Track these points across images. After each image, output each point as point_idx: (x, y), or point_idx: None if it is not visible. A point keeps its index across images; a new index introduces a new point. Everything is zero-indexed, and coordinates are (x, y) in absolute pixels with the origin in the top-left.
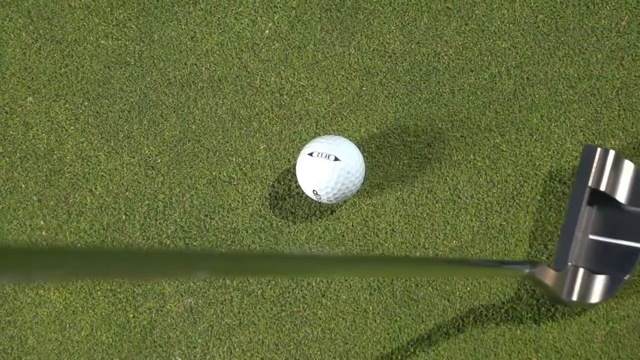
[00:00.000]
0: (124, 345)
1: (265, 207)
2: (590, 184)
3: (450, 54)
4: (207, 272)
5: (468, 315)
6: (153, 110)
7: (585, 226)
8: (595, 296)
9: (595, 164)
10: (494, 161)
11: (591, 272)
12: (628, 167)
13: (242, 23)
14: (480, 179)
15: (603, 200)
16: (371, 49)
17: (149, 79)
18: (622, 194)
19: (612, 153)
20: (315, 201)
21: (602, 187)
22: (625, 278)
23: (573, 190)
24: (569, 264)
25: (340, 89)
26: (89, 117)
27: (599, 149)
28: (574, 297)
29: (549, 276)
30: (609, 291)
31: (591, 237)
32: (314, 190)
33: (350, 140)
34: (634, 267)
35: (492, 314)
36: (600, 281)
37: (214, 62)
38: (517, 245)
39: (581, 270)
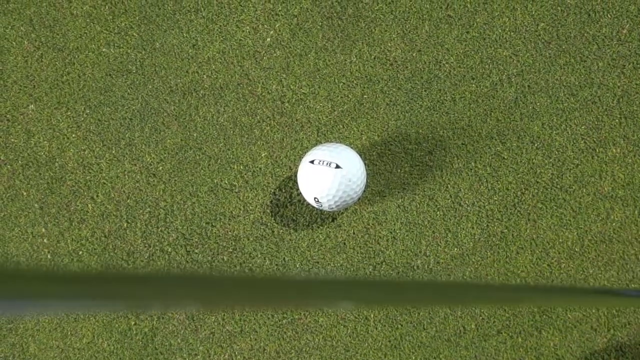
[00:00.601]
0: (125, 353)
1: (266, 214)
2: None
3: (452, 62)
4: (352, 302)
5: (470, 322)
6: (154, 118)
7: None
8: None
9: None
10: (495, 169)
11: None
12: None
13: (243, 31)
14: (482, 187)
15: None
16: (372, 56)
17: (150, 86)
18: None
19: None
20: (317, 209)
21: None
22: None
23: None
24: None
25: (341, 97)
26: (91, 125)
27: None
28: None
29: None
30: None
31: None
32: (315, 198)
33: (351, 147)
34: None
35: (494, 322)
36: None
37: (215, 70)
38: (518, 252)
39: None
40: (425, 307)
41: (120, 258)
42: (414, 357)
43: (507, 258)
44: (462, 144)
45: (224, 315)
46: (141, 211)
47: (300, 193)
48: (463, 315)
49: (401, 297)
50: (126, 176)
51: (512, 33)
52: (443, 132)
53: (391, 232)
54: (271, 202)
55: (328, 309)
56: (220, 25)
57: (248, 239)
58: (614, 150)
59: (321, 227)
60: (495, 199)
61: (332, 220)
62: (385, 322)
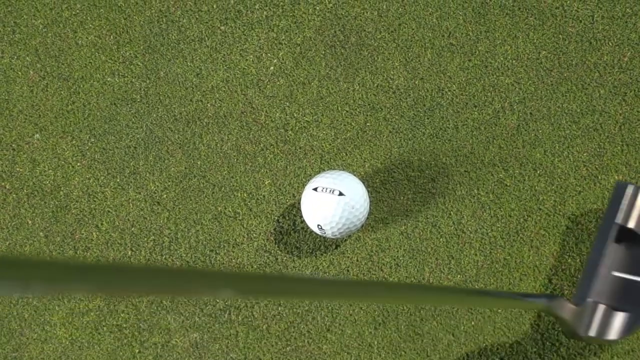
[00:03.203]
0: None
1: (270, 242)
2: (618, 220)
3: (454, 90)
4: (231, 291)
5: (473, 350)
6: (159, 147)
7: (610, 263)
8: (614, 333)
9: (625, 201)
10: (498, 196)
11: (612, 309)
12: None
13: (247, 60)
14: (484, 214)
15: (631, 237)
16: (375, 84)
17: (154, 115)
18: None
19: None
20: (320, 236)
21: (631, 225)
22: None
23: (600, 226)
24: (589, 299)
25: (344, 125)
26: (95, 154)
27: (630, 186)
28: (592, 333)
29: (567, 310)
30: (629, 329)
31: (615, 273)
32: (318, 225)
33: (354, 175)
34: None
35: (497, 349)
36: (620, 318)
37: (219, 99)
38: (521, 279)
39: (601, 307)
40: (302, 300)
41: None
42: None
43: (510, 285)
44: (465, 171)
45: (228, 342)
46: (145, 239)
47: (304, 220)
48: (467, 342)
49: (276, 289)
50: (130, 204)
51: (513, 61)
52: (446, 160)
53: (394, 259)
54: (275, 229)
55: (209, 296)
56: (224, 54)
57: (252, 267)
58: (617, 178)
59: (324, 255)
60: (498, 225)
61: (336, 248)
62: (389, 349)
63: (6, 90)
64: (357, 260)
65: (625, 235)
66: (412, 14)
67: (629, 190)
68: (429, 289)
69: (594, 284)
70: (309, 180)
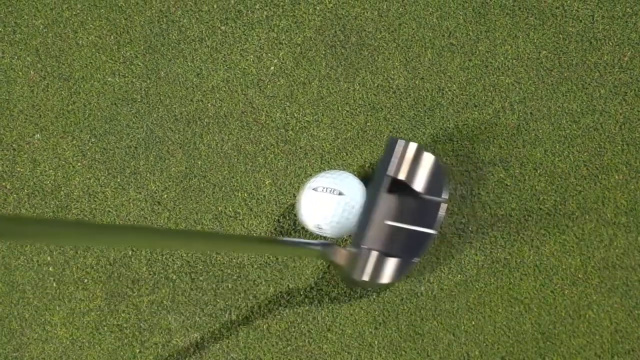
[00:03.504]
0: None
1: None
2: (390, 173)
3: (454, 90)
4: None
5: (473, 349)
6: (159, 147)
7: (383, 212)
8: (386, 277)
9: (396, 155)
10: (498, 195)
11: (384, 255)
12: (428, 159)
13: (247, 60)
14: (485, 214)
15: (402, 188)
16: (375, 84)
17: (155, 115)
18: (419, 184)
19: (413, 145)
20: (319, 235)
21: (401, 176)
22: (415, 261)
23: (374, 177)
24: (363, 246)
25: (345, 125)
26: (96, 154)
27: (400, 141)
28: (365, 277)
29: (342, 257)
30: (399, 273)
31: (387, 222)
32: (317, 225)
33: (354, 175)
34: (423, 251)
35: (498, 348)
36: (391, 264)
37: (219, 99)
38: (521, 279)
39: (374, 253)
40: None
41: (125, 286)
42: None
43: (510, 284)
44: (466, 170)
45: (229, 342)
46: None
47: (302, 219)
48: (467, 342)
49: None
50: (131, 204)
51: (514, 61)
52: (446, 159)
53: None
54: (275, 229)
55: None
56: (225, 54)
57: (252, 266)
58: (617, 177)
59: None
60: (499, 225)
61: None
62: (389, 349)
63: (7, 90)
64: None
65: (397, 187)
66: (412, 13)
67: (400, 144)
68: (225, 237)
69: (368, 231)
70: (308, 180)
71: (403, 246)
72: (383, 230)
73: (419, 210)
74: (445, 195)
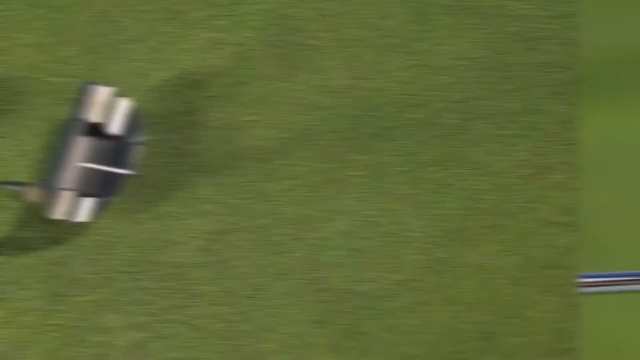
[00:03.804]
0: None
1: (211, 241)
2: (82, 116)
3: (395, 89)
4: None
5: (414, 348)
6: None
7: (78, 154)
8: (82, 216)
9: (89, 98)
10: (439, 195)
11: (80, 195)
12: (123, 103)
13: (188, 60)
14: (425, 213)
15: (94, 131)
16: (315, 84)
17: None
18: (114, 127)
19: (105, 89)
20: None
21: (95, 119)
22: (110, 199)
23: (68, 120)
24: (59, 187)
25: (284, 124)
26: (37, 154)
27: (93, 85)
28: (61, 216)
29: (38, 196)
30: (95, 212)
31: (81, 164)
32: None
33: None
34: (117, 191)
35: (438, 348)
36: (86, 203)
37: (160, 98)
38: (462, 278)
39: (69, 193)
40: None
41: (66, 285)
42: None
43: (450, 284)
44: (406, 170)
45: (169, 342)
46: (86, 238)
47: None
48: (407, 341)
49: None
50: None
51: (455, 60)
52: (387, 159)
53: (335, 259)
54: (216, 228)
55: None
56: (165, 54)
57: (193, 266)
58: (556, 177)
59: (265, 255)
60: (439, 225)
61: (276, 247)
62: (329, 347)
63: None
64: (298, 260)
65: (94, 130)
66: (352, 13)
67: (92, 89)
68: None
69: (63, 172)
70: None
71: (97, 187)
72: (77, 172)
73: (111, 152)
74: (140, 138)
